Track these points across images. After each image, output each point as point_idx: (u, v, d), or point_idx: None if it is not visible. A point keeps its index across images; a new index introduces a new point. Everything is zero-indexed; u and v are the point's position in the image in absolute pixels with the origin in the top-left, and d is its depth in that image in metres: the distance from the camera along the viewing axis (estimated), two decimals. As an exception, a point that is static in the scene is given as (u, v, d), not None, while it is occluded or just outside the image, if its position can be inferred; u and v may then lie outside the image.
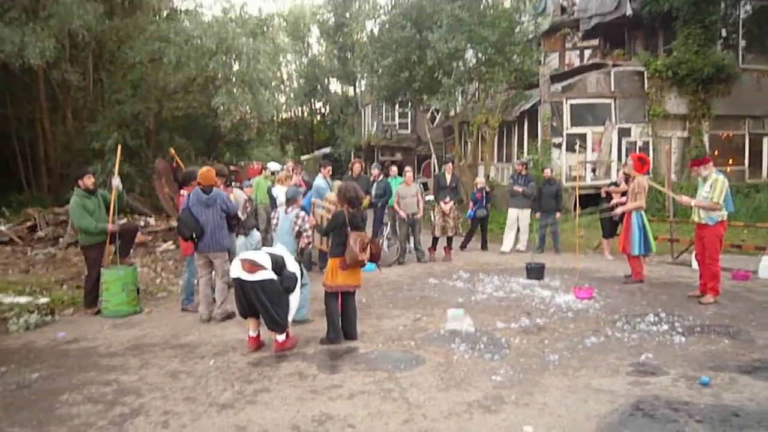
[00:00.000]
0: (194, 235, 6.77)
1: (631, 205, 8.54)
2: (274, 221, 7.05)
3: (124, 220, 9.90)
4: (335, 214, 6.18)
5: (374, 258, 6.03)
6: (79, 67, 16.12)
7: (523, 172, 11.86)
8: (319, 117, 41.63)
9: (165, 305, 7.91)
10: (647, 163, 9.05)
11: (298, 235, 6.81)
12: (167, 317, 7.25)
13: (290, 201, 7.02)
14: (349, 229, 5.85)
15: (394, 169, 11.95)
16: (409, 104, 22.77)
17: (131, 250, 8.78)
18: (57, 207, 13.99)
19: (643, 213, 8.57)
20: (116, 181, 7.66)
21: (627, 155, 16.52)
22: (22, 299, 7.92)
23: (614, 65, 17.35)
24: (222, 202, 6.92)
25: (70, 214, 7.49)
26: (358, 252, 5.71)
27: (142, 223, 13.45)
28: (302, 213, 6.82)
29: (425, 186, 17.77)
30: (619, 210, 8.90)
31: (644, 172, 8.78)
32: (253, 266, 5.53)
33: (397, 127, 28.49)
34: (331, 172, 10.35)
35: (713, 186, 7.17)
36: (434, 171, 21.73)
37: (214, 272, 7.03)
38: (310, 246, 6.89)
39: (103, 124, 15.53)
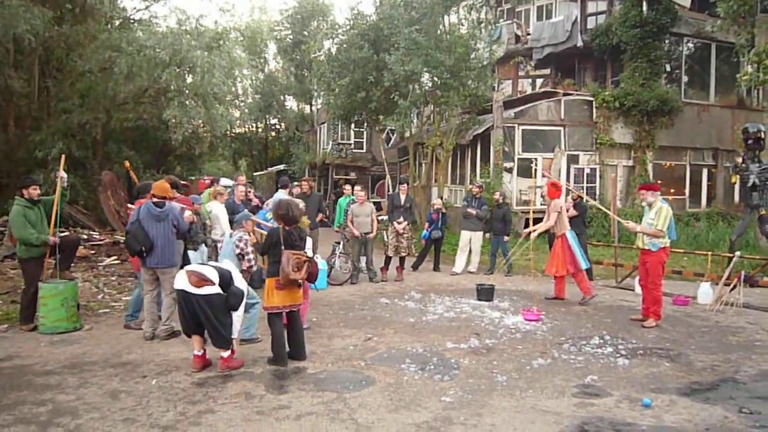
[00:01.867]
0: (143, 250, 6.55)
1: (543, 225, 8.99)
2: (220, 244, 6.86)
3: (66, 233, 9.53)
4: (270, 231, 6.04)
5: (310, 278, 5.86)
6: (23, 73, 15.48)
7: (478, 195, 12.02)
8: (274, 133, 41.31)
9: (107, 322, 7.62)
10: (560, 189, 9.47)
11: (241, 257, 6.58)
12: (109, 334, 6.97)
13: (237, 225, 6.85)
14: (283, 247, 5.68)
15: (348, 187, 11.94)
16: (365, 124, 22.88)
17: (72, 264, 8.44)
18: (-6, 217, 13.35)
19: (573, 233, 9.04)
20: (62, 173, 7.38)
21: (575, 181, 17.11)
22: (-49, 314, 7.49)
23: (564, 94, 17.94)
24: (174, 217, 6.74)
25: (11, 223, 7.14)
26: (290, 271, 5.53)
27: (85, 236, 12.97)
28: (245, 236, 6.62)
29: (379, 206, 17.82)
30: (534, 235, 9.09)
31: (558, 197, 9.18)
32: (200, 280, 5.39)
33: (353, 146, 28.56)
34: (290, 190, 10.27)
35: (658, 214, 7.44)
36: (388, 191, 21.84)
37: (160, 288, 6.81)
38: (253, 269, 6.71)
39: (48, 133, 14.96)
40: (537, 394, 5.02)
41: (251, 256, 6.57)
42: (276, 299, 5.73)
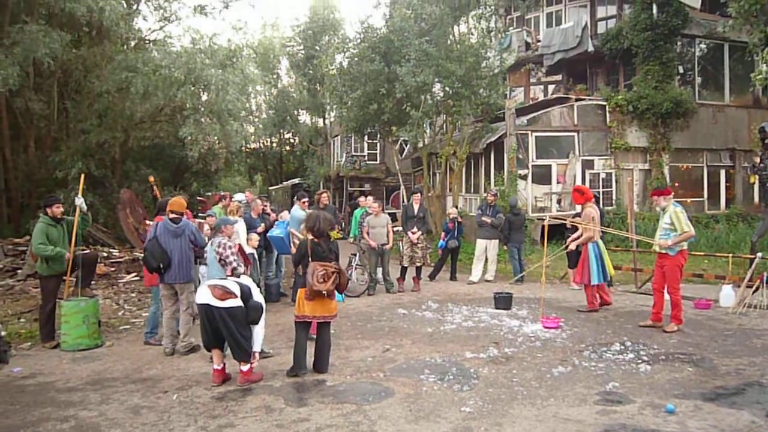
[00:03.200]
0: (161, 266, 6.63)
1: (584, 237, 8.74)
2: (206, 254, 6.89)
3: (86, 251, 9.65)
4: (299, 244, 6.17)
5: (339, 289, 5.90)
6: (43, 95, 15.80)
7: (492, 203, 11.98)
8: (288, 147, 41.62)
9: (127, 338, 7.71)
10: (585, 193, 9.17)
11: (223, 264, 6.61)
12: (129, 350, 7.05)
13: (216, 230, 6.91)
14: (310, 259, 5.77)
15: (362, 199, 11.97)
16: (378, 136, 22.97)
17: (93, 281, 8.56)
18: (16, 237, 13.58)
19: (599, 242, 8.75)
20: (79, 201, 7.53)
21: (591, 186, 16.98)
22: (-24, 333, 7.61)
23: (577, 99, 17.88)
24: (191, 232, 6.82)
25: (32, 237, 7.31)
26: (313, 282, 5.59)
27: (105, 254, 13.14)
28: (224, 241, 6.63)
29: (394, 217, 17.82)
30: (572, 245, 9.01)
31: (583, 202, 8.97)
32: (224, 293, 5.46)
33: (366, 158, 28.67)
34: (308, 203, 10.35)
35: (675, 217, 7.35)
36: (403, 202, 21.85)
37: (179, 303, 6.88)
38: (239, 273, 6.66)
39: (67, 153, 15.23)
40: (558, 403, 4.98)
41: (232, 258, 6.55)
42: (306, 309, 5.78)
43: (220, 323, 5.42)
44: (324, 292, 5.67)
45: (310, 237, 5.92)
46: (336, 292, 5.89)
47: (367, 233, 10.52)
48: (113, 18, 13.60)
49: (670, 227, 7.41)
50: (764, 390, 5.19)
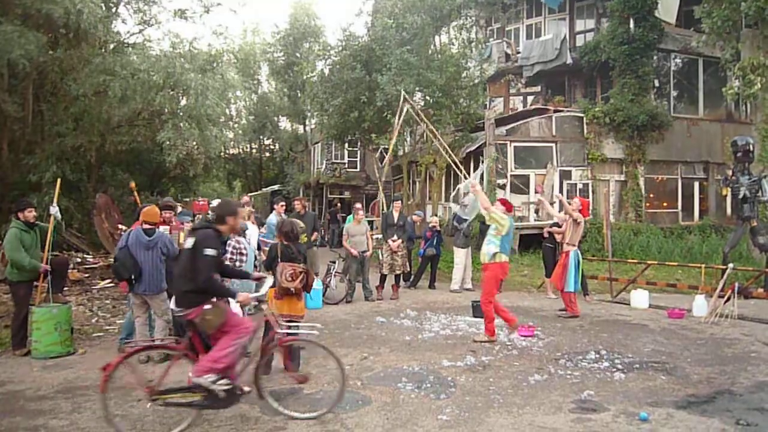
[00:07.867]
0: (131, 276, 6.54)
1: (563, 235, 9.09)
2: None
3: (57, 254, 9.46)
4: (270, 247, 6.39)
5: (307, 288, 6.06)
6: (18, 97, 15.48)
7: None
8: (268, 154, 41.43)
9: (101, 346, 7.57)
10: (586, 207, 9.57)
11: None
12: (103, 358, 6.86)
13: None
14: (279, 260, 5.95)
15: (358, 206, 11.55)
16: (359, 143, 23.03)
17: (65, 287, 8.40)
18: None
19: (579, 252, 8.97)
20: (54, 210, 7.41)
21: (568, 197, 17.17)
22: (-57, 340, 7.43)
23: (555, 111, 18.11)
24: (163, 244, 6.74)
25: (5, 245, 7.13)
26: (281, 280, 5.81)
27: (78, 260, 12.92)
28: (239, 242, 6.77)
29: (372, 225, 17.83)
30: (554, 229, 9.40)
31: (588, 216, 9.41)
32: None
33: (346, 165, 28.66)
34: (284, 208, 10.32)
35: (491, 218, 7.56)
36: (383, 210, 21.85)
37: (152, 311, 6.79)
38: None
39: (42, 156, 14.96)
40: (534, 411, 5.01)
41: (241, 260, 6.77)
42: (275, 307, 5.82)
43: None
44: (292, 289, 5.87)
45: (282, 240, 6.14)
46: (307, 295, 6.03)
47: (346, 241, 10.53)
48: (91, 20, 13.42)
49: (494, 233, 7.54)
50: (734, 398, 5.28)
